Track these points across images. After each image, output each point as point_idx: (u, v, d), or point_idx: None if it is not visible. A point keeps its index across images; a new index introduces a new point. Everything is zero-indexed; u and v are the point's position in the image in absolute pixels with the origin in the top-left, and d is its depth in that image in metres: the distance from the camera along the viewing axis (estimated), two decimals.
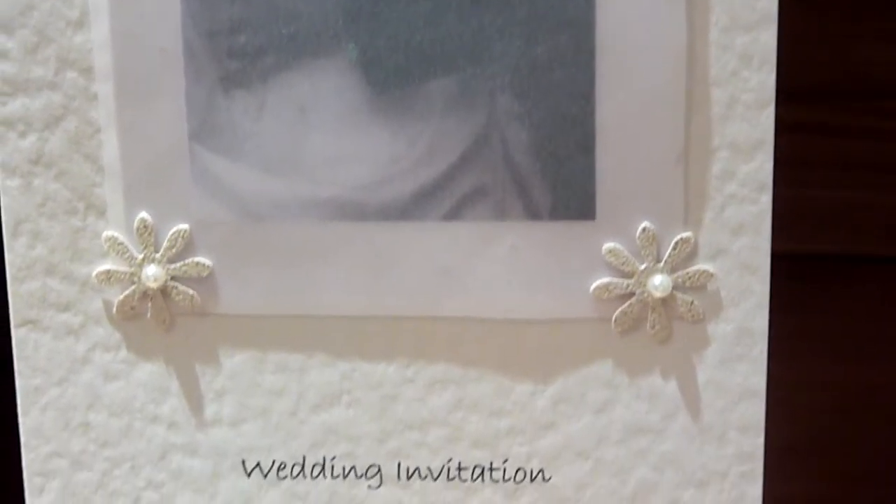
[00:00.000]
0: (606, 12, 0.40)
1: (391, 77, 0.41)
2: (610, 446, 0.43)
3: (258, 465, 0.44)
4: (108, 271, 0.43)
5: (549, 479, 0.44)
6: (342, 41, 0.41)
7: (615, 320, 0.42)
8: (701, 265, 0.42)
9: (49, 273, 0.43)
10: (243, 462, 0.44)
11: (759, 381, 0.42)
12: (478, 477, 0.44)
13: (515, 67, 0.40)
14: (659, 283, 0.41)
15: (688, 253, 0.41)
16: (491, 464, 0.44)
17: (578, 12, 0.40)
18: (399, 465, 0.44)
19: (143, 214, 0.42)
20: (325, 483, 0.44)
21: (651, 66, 0.40)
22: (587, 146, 0.41)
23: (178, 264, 0.42)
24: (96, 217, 0.43)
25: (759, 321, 0.42)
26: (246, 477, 0.44)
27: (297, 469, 0.44)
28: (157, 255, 0.42)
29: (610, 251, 0.41)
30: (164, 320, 0.43)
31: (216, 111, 0.41)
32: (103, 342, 0.44)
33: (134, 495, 0.45)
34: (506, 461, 0.44)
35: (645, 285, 0.42)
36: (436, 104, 0.41)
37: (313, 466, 0.44)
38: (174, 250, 0.42)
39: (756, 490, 0.43)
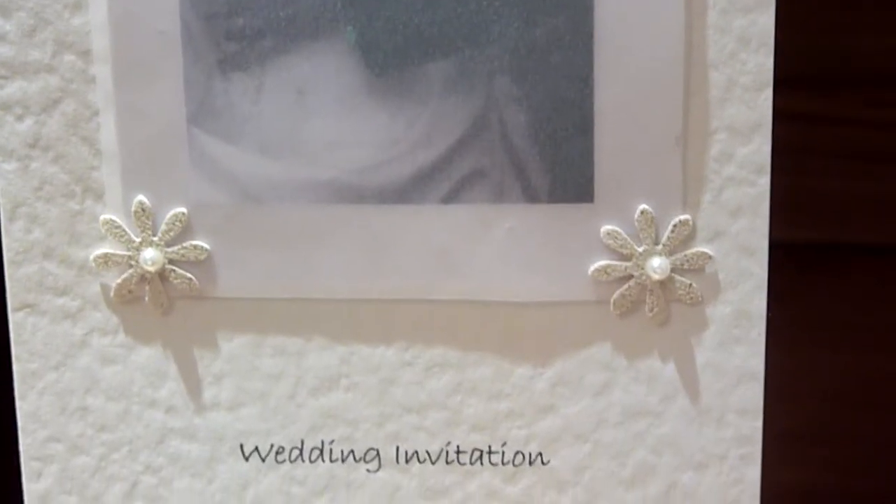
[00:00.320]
0: None
1: (389, 59, 0.41)
2: (608, 429, 0.44)
3: (256, 449, 0.45)
4: (105, 255, 0.43)
5: (548, 462, 0.44)
6: (340, 24, 0.41)
7: (614, 303, 0.43)
8: (699, 247, 0.42)
9: (46, 257, 0.44)
10: (241, 446, 0.45)
11: (758, 363, 0.43)
12: (476, 460, 0.44)
13: (514, 50, 0.41)
14: (657, 265, 0.42)
15: (686, 235, 0.42)
16: (489, 447, 0.44)
17: None
18: (397, 448, 0.44)
19: (141, 198, 0.43)
20: (323, 467, 0.45)
21: (649, 48, 0.41)
22: (585, 129, 0.41)
23: (176, 248, 0.43)
24: (94, 200, 0.43)
25: (758, 303, 0.42)
26: (244, 461, 0.45)
27: (295, 453, 0.45)
28: (155, 239, 0.43)
29: (608, 233, 0.42)
30: (161, 304, 0.44)
31: (214, 94, 0.42)
32: (101, 326, 0.44)
33: (132, 479, 0.45)
34: (504, 444, 0.44)
35: (643, 268, 0.42)
36: (434, 87, 0.41)
37: (311, 450, 0.45)
38: (172, 234, 0.43)
39: (755, 473, 0.44)
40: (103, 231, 0.43)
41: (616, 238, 0.42)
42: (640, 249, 0.42)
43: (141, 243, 0.43)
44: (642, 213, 0.42)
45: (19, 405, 0.45)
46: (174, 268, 0.43)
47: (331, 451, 0.45)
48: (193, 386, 0.44)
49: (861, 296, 0.57)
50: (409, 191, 0.42)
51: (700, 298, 0.42)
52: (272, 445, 0.45)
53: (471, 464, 0.44)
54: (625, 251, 0.42)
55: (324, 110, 0.42)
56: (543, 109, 0.41)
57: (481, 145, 0.42)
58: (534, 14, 0.41)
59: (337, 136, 0.42)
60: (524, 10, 0.41)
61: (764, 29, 0.41)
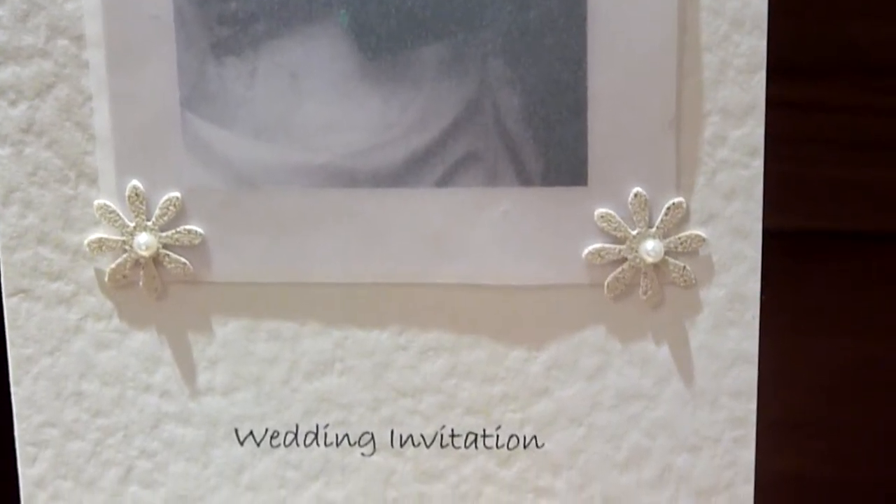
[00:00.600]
0: None
1: (383, 43, 0.42)
2: (603, 412, 0.44)
3: (251, 433, 0.45)
4: (99, 239, 0.44)
5: (543, 445, 0.45)
6: (333, 7, 0.41)
7: (607, 286, 0.43)
8: (693, 230, 0.42)
9: (41, 242, 0.44)
10: (236, 430, 0.45)
11: (752, 346, 0.43)
12: (471, 444, 0.45)
13: (507, 33, 0.41)
14: (651, 248, 0.42)
15: (680, 218, 0.42)
16: (484, 431, 0.45)
17: None
18: (392, 432, 0.45)
19: (135, 182, 0.43)
20: (318, 451, 0.45)
21: (642, 30, 0.41)
22: (579, 111, 0.42)
23: (170, 232, 0.43)
24: (88, 185, 0.43)
25: (752, 286, 0.43)
26: (239, 445, 0.45)
27: (290, 437, 0.45)
28: (149, 224, 0.43)
29: (602, 216, 0.42)
30: (155, 288, 0.44)
31: (208, 78, 0.42)
32: (95, 311, 0.44)
33: (127, 464, 0.46)
34: (499, 428, 0.45)
35: (637, 250, 0.43)
36: (427, 70, 0.42)
37: (306, 434, 0.45)
38: (166, 218, 0.43)
39: (749, 455, 0.44)
40: (97, 216, 0.43)
41: (610, 221, 0.42)
42: (634, 232, 0.42)
43: (135, 228, 0.43)
44: (636, 195, 0.42)
45: (14, 390, 0.45)
46: (168, 252, 0.43)
47: (325, 435, 0.45)
48: (188, 371, 0.45)
49: (855, 283, 0.57)
50: (402, 175, 0.42)
51: (694, 281, 0.43)
52: (267, 430, 0.45)
53: (465, 447, 0.45)
54: (618, 234, 0.42)
55: (317, 94, 0.42)
56: (537, 92, 0.42)
57: (475, 129, 0.42)
58: None
59: (330, 120, 0.42)
60: None
61: (757, 11, 0.41)
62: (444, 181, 0.42)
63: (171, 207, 0.43)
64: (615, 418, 0.44)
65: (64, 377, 0.45)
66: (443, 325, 0.44)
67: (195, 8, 0.42)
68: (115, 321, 0.45)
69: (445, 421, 0.45)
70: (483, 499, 0.45)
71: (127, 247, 0.44)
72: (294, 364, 0.44)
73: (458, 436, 0.45)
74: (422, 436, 0.45)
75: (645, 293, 0.43)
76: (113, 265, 0.44)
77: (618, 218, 0.42)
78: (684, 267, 0.43)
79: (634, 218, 0.42)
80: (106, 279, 0.44)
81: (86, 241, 0.44)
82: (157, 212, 0.43)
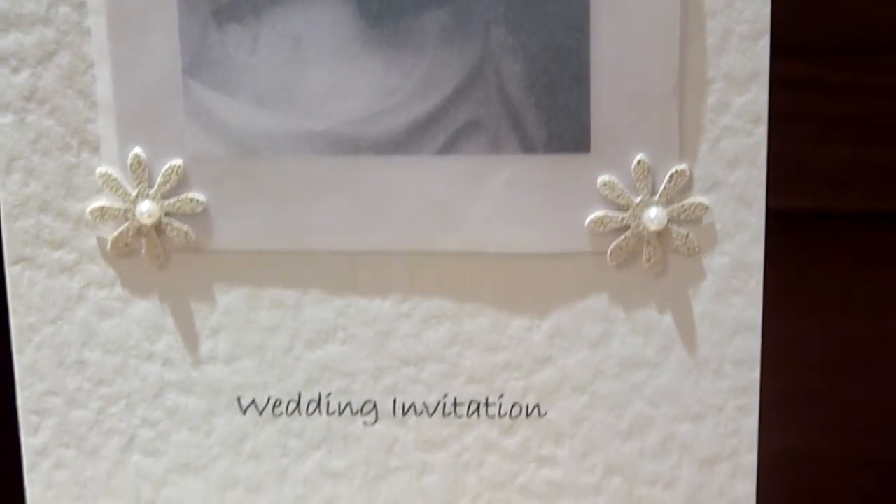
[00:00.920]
0: None
1: (385, 10, 0.42)
2: (606, 380, 0.45)
3: (253, 402, 0.46)
4: (101, 208, 0.44)
5: (545, 413, 0.45)
6: None
7: (610, 254, 0.43)
8: (696, 198, 0.43)
9: (43, 210, 0.44)
10: (238, 399, 0.46)
11: (755, 314, 0.44)
12: (473, 412, 0.45)
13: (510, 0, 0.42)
14: (654, 215, 0.43)
15: (683, 185, 0.43)
16: (487, 399, 0.45)
17: None
18: (394, 401, 0.45)
19: (137, 150, 0.43)
20: (320, 420, 0.46)
21: None
22: (581, 78, 0.42)
23: (172, 200, 0.44)
24: (90, 153, 0.44)
25: (755, 254, 0.43)
26: (241, 414, 0.46)
27: (292, 406, 0.46)
28: (151, 192, 0.44)
29: (605, 184, 0.43)
30: (158, 257, 0.44)
31: (210, 45, 0.43)
32: (98, 279, 0.45)
33: (129, 433, 0.46)
34: (501, 396, 0.45)
35: (640, 218, 0.43)
36: (430, 37, 0.42)
37: (309, 403, 0.45)
38: (168, 186, 0.44)
39: (752, 424, 0.44)
40: (99, 184, 0.44)
41: (613, 188, 0.43)
42: (637, 200, 0.43)
43: (137, 196, 0.44)
44: (639, 163, 0.42)
45: (17, 359, 0.46)
46: (170, 220, 0.44)
47: (328, 403, 0.45)
48: (190, 339, 0.45)
49: (856, 263, 0.57)
50: (404, 142, 0.43)
51: (697, 249, 0.43)
52: (269, 398, 0.46)
53: (468, 416, 0.45)
54: (621, 202, 0.43)
55: (319, 61, 0.42)
56: (540, 59, 0.42)
57: (477, 96, 0.42)
58: None
59: (332, 87, 0.42)
60: None
61: None
62: (447, 149, 0.43)
63: (173, 175, 0.43)
64: (618, 387, 0.45)
65: (66, 345, 0.45)
66: (445, 293, 0.44)
67: None
68: (118, 289, 0.45)
69: (448, 389, 0.45)
70: (485, 467, 0.45)
71: (129, 215, 0.44)
72: (296, 332, 0.45)
73: (461, 404, 0.45)
74: (424, 404, 0.45)
75: (648, 261, 0.43)
76: (115, 233, 0.44)
77: (621, 185, 0.43)
78: (687, 235, 0.43)
79: (637, 185, 0.43)
80: (108, 247, 0.44)
81: (88, 210, 0.44)
82: (159, 179, 0.44)
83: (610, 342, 0.44)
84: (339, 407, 0.45)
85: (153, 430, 0.46)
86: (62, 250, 0.45)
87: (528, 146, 0.43)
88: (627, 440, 0.45)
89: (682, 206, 0.43)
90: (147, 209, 0.44)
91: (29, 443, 0.46)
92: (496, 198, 0.43)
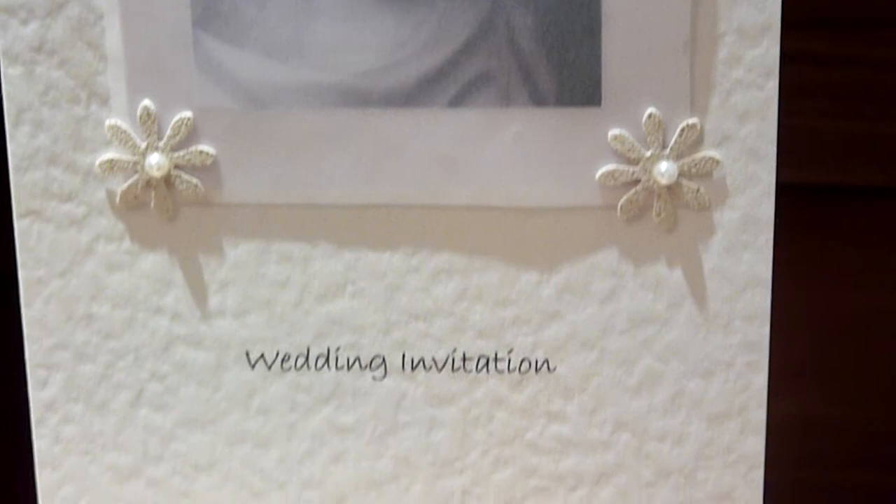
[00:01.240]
0: None
1: None
2: (615, 336, 0.45)
3: (262, 356, 0.46)
4: (111, 160, 0.44)
5: (554, 369, 0.45)
6: None
7: (621, 208, 0.44)
8: (707, 152, 0.43)
9: (52, 163, 0.45)
10: (247, 353, 0.46)
11: (765, 269, 0.44)
12: (482, 368, 0.46)
13: None
14: (665, 169, 0.43)
15: (694, 139, 0.43)
16: (496, 354, 0.45)
17: None
18: (403, 355, 0.46)
19: (147, 102, 0.44)
20: (329, 374, 0.46)
21: None
22: (593, 31, 0.42)
23: (182, 153, 0.44)
24: (99, 105, 0.44)
25: (766, 209, 0.43)
26: (250, 369, 0.46)
27: (301, 360, 0.46)
28: (161, 144, 0.44)
29: (615, 138, 0.43)
30: (167, 210, 0.45)
31: None
32: (106, 233, 0.45)
33: (137, 387, 0.46)
34: (511, 351, 0.45)
35: (651, 172, 0.43)
36: None
37: (317, 358, 0.46)
38: (177, 139, 0.44)
39: (762, 380, 0.45)
40: (108, 136, 0.44)
41: (623, 142, 0.43)
42: (648, 154, 0.43)
43: (146, 148, 0.44)
44: (650, 116, 0.43)
45: (25, 313, 0.46)
46: (180, 173, 0.44)
47: (336, 358, 0.46)
48: (199, 293, 0.46)
49: (864, 236, 0.58)
50: (415, 95, 0.43)
51: (707, 203, 0.43)
52: (278, 353, 0.46)
53: (477, 371, 0.46)
54: (632, 155, 0.43)
55: (329, 13, 0.43)
56: (551, 12, 0.42)
57: (488, 48, 0.43)
58: None
59: (343, 39, 0.43)
60: None
61: None
62: (457, 101, 0.43)
63: (182, 127, 0.44)
64: (627, 342, 0.45)
65: (75, 299, 0.46)
66: (454, 247, 0.45)
67: None
68: (127, 243, 0.45)
69: (457, 344, 0.45)
70: (494, 423, 0.46)
71: (138, 167, 0.44)
72: (305, 286, 0.45)
73: (470, 359, 0.45)
74: (433, 359, 0.46)
75: (658, 215, 0.44)
76: (124, 186, 0.45)
77: (631, 139, 0.43)
78: (698, 189, 0.43)
79: (648, 139, 0.43)
80: (117, 200, 0.45)
81: (97, 162, 0.44)
82: (168, 132, 0.44)
83: (619, 297, 0.45)
84: (348, 362, 0.46)
85: (161, 384, 0.46)
86: (71, 203, 0.45)
87: (538, 99, 0.43)
88: (636, 396, 0.45)
89: (693, 160, 0.43)
90: (156, 162, 0.44)
91: (37, 397, 0.47)
92: (506, 151, 0.43)
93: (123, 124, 0.44)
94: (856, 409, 0.59)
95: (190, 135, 0.44)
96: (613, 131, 0.43)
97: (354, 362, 0.46)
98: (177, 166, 0.44)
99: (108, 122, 0.44)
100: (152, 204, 0.45)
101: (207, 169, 0.44)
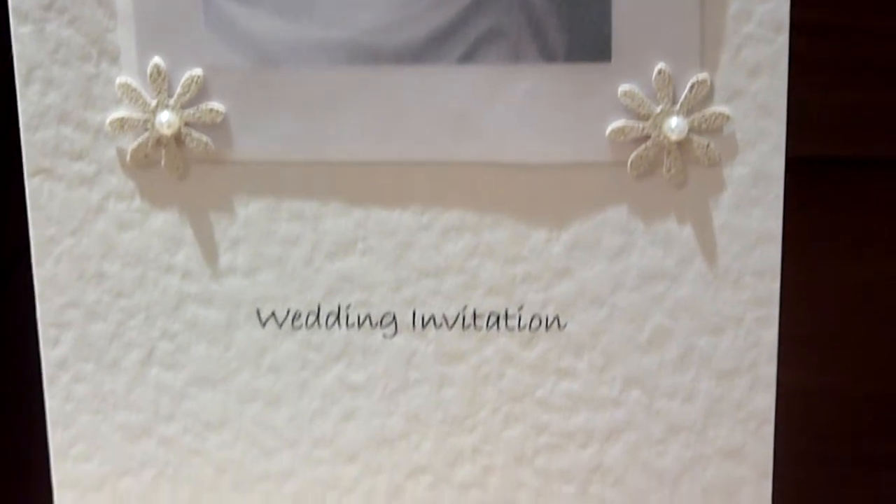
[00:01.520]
0: None
1: None
2: (625, 293, 0.45)
3: (273, 314, 0.46)
4: (121, 118, 0.45)
5: (565, 326, 0.46)
6: None
7: (631, 164, 0.44)
8: (717, 107, 0.43)
9: (62, 121, 0.45)
10: (258, 311, 0.47)
11: (775, 225, 0.44)
12: (493, 325, 0.46)
13: None
14: (675, 125, 0.43)
15: (704, 95, 0.43)
16: (506, 311, 0.46)
17: None
18: (414, 313, 0.46)
19: (157, 60, 0.44)
20: (339, 332, 0.46)
21: None
22: None
23: (192, 110, 0.44)
24: (109, 63, 0.45)
25: (776, 164, 0.44)
26: (261, 327, 0.47)
27: (311, 318, 0.46)
28: (171, 102, 0.44)
29: (626, 93, 0.43)
30: (177, 168, 0.45)
31: None
32: (117, 191, 0.46)
33: (148, 346, 0.47)
34: (521, 308, 0.46)
35: (661, 128, 0.44)
36: None
37: (328, 315, 0.46)
38: (188, 96, 0.44)
39: (772, 335, 0.45)
40: (119, 94, 0.45)
41: (633, 98, 0.43)
42: (658, 109, 0.43)
43: (157, 106, 0.45)
44: (660, 72, 0.43)
45: (36, 272, 0.47)
46: (190, 131, 0.45)
47: (347, 316, 0.46)
48: (210, 251, 0.46)
49: (874, 208, 0.58)
50: (424, 51, 0.44)
51: (717, 159, 0.44)
52: (289, 311, 0.46)
53: (487, 328, 0.46)
54: (642, 111, 0.43)
55: None
56: None
57: (498, 4, 0.43)
58: None
59: None
60: None
61: None
62: (467, 58, 0.43)
63: (192, 85, 0.44)
64: (637, 299, 0.45)
65: (86, 258, 0.46)
66: (465, 204, 0.45)
67: None
68: (137, 201, 0.46)
69: (467, 301, 0.46)
70: (504, 380, 0.46)
71: (149, 125, 0.45)
72: (316, 244, 0.46)
73: (481, 316, 0.46)
74: (444, 317, 0.46)
75: (668, 171, 0.44)
76: (135, 144, 0.45)
77: (641, 95, 0.43)
78: (708, 144, 0.44)
79: (658, 95, 0.43)
80: (128, 158, 0.45)
81: (107, 120, 0.45)
82: (178, 90, 0.44)
83: (629, 254, 0.45)
84: (359, 319, 0.46)
85: (172, 342, 0.47)
86: (82, 161, 0.45)
87: (548, 55, 0.43)
88: (647, 353, 0.46)
89: (703, 115, 0.43)
90: (167, 119, 0.44)
91: (49, 356, 0.47)
92: (516, 107, 0.44)
93: (134, 82, 0.44)
94: (862, 377, 0.60)
95: (200, 92, 0.44)
96: (623, 87, 0.43)
97: (365, 320, 0.46)
98: (187, 124, 0.45)
99: (118, 80, 0.45)
100: (163, 162, 0.45)
101: (218, 127, 0.45)
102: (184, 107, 0.44)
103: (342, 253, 0.46)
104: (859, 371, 0.60)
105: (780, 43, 0.43)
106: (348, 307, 0.46)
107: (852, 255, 0.58)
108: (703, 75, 0.43)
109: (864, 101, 0.56)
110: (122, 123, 0.45)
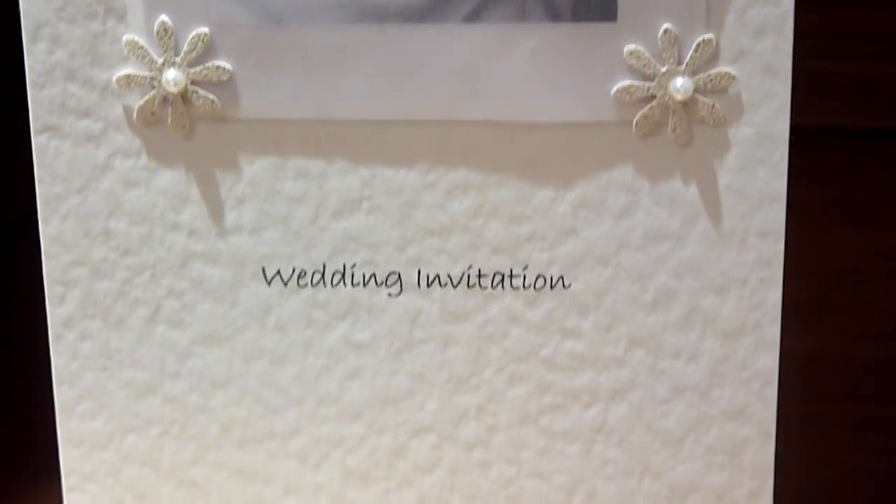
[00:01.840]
0: None
1: None
2: (630, 252, 0.46)
3: (278, 272, 0.47)
4: (128, 76, 0.45)
5: (569, 285, 0.46)
6: None
7: (636, 124, 0.45)
8: (722, 67, 0.44)
9: (69, 78, 0.46)
10: (263, 270, 0.47)
11: (780, 185, 0.45)
12: (497, 284, 0.47)
13: None
14: (680, 85, 0.44)
15: (709, 55, 0.44)
16: (511, 270, 0.46)
17: None
18: (419, 272, 0.47)
19: (163, 17, 0.45)
20: (345, 291, 0.47)
21: None
22: None
23: (199, 68, 0.45)
24: (116, 21, 0.45)
25: (781, 125, 0.44)
26: (266, 285, 0.47)
27: (317, 277, 0.47)
28: (178, 59, 0.45)
29: (631, 53, 0.44)
30: (184, 126, 0.46)
31: None
32: (123, 149, 0.46)
33: (154, 304, 0.48)
34: (526, 268, 0.46)
35: (666, 88, 0.44)
36: None
37: (333, 274, 0.47)
38: (194, 54, 0.45)
39: (776, 295, 0.46)
40: (126, 52, 0.45)
41: (639, 57, 0.44)
42: (663, 69, 0.44)
43: (163, 64, 0.45)
44: (665, 32, 0.44)
45: (43, 230, 0.47)
46: (196, 89, 0.45)
47: (352, 275, 0.47)
48: (216, 209, 0.47)
49: (879, 178, 0.58)
50: (431, 10, 0.44)
51: (723, 119, 0.44)
52: (294, 269, 0.47)
53: (492, 288, 0.47)
54: (648, 71, 0.44)
55: None
56: None
57: None
58: None
59: None
60: None
61: None
62: (473, 16, 0.44)
63: (199, 43, 0.45)
64: (642, 259, 0.46)
65: (92, 216, 0.47)
66: (470, 163, 0.46)
67: None
68: (144, 159, 0.46)
69: (472, 261, 0.46)
70: (509, 339, 0.47)
71: (155, 83, 0.45)
72: (322, 202, 0.46)
73: (485, 276, 0.47)
74: (449, 276, 0.47)
75: (673, 131, 0.45)
76: (141, 102, 0.46)
77: (647, 54, 0.44)
78: (713, 105, 0.44)
79: (664, 55, 0.44)
80: (134, 116, 0.46)
81: (114, 78, 0.45)
82: (185, 47, 0.45)
83: (634, 214, 0.46)
84: (364, 278, 0.47)
85: (178, 300, 0.48)
86: (88, 119, 0.46)
87: (554, 14, 0.44)
88: (651, 313, 0.46)
89: (709, 75, 0.44)
90: (173, 77, 0.45)
91: (54, 314, 0.48)
92: (522, 67, 0.44)
93: (140, 40, 0.45)
94: (866, 343, 0.60)
95: (207, 50, 0.45)
96: (629, 47, 0.44)
97: (370, 279, 0.47)
98: (193, 82, 0.45)
99: (125, 38, 0.45)
100: (169, 120, 0.46)
101: (224, 85, 0.45)
102: (190, 65, 0.45)
103: (347, 212, 0.46)
104: (861, 336, 0.60)
105: (787, 4, 0.43)
106: (353, 266, 0.47)
107: (856, 223, 0.59)
108: (708, 35, 0.44)
109: (865, 72, 0.56)
110: (128, 81, 0.45)
